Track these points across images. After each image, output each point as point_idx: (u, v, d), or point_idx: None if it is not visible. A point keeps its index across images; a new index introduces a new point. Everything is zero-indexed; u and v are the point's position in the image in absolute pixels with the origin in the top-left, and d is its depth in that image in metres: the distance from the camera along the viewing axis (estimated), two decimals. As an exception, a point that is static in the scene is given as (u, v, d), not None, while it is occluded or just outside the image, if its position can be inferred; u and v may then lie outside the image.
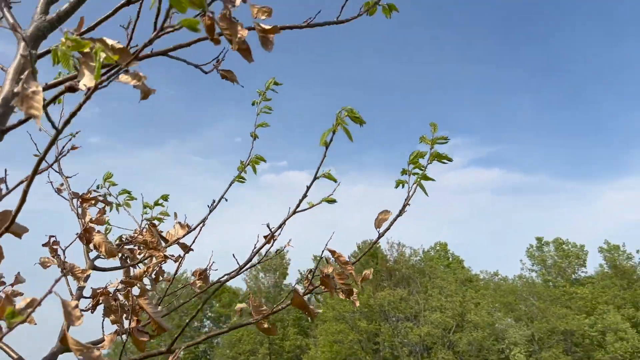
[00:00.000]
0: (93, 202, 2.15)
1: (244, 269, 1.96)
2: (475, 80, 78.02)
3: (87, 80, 0.97)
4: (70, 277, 1.93)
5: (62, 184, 2.32)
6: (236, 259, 1.91)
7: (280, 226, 1.85)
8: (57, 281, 0.96)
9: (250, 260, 1.98)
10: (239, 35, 1.11)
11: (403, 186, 2.16)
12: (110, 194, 2.81)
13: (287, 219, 1.84)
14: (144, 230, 2.51)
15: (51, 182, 2.26)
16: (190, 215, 2.46)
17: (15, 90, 0.89)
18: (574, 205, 70.62)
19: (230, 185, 2.50)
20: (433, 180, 2.00)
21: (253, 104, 2.57)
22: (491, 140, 75.12)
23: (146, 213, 2.82)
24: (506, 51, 78.66)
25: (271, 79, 2.52)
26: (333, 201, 1.82)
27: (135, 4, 1.30)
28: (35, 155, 2.23)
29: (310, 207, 1.81)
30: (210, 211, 2.37)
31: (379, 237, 1.98)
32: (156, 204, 2.87)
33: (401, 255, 42.60)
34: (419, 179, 1.99)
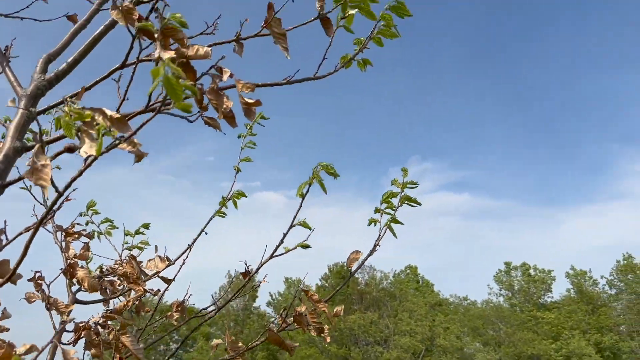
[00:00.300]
0: (76, 236, 2.22)
1: (221, 308, 2.06)
2: (446, 107, 79.73)
3: (87, 148, 1.07)
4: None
5: (45, 218, 2.39)
6: (213, 298, 2.00)
7: (257, 269, 1.96)
8: (57, 333, 1.06)
9: (229, 301, 2.08)
10: (224, 106, 1.24)
11: (375, 224, 2.30)
12: (92, 222, 2.87)
13: (264, 263, 1.95)
14: (125, 261, 2.58)
15: (36, 214, 2.33)
16: (163, 237, 2.55)
17: (27, 164, 0.99)
18: (541, 231, 72.26)
19: (210, 219, 2.60)
20: (402, 224, 2.14)
21: (239, 137, 2.67)
22: (461, 165, 76.59)
23: (127, 243, 2.89)
24: (477, 79, 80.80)
25: (259, 113, 2.59)
26: (307, 246, 1.94)
27: (129, 67, 1.42)
28: (23, 188, 2.29)
29: (286, 252, 1.92)
30: (190, 247, 2.46)
31: (351, 275, 2.10)
32: (137, 232, 2.95)
33: (372, 278, 42.75)
34: (389, 222, 2.13)
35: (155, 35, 1.13)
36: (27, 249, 1.08)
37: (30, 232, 1.07)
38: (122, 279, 2.44)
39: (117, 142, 1.07)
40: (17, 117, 1.33)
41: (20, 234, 1.55)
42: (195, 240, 2.51)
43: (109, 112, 1.13)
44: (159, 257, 2.43)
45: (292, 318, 1.85)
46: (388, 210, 2.29)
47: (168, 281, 2.38)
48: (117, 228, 2.93)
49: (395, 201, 2.30)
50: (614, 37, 75.95)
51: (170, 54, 1.10)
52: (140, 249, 2.95)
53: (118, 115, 1.13)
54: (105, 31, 1.51)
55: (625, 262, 40.87)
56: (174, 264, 2.39)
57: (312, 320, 1.81)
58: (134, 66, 1.36)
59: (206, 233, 2.60)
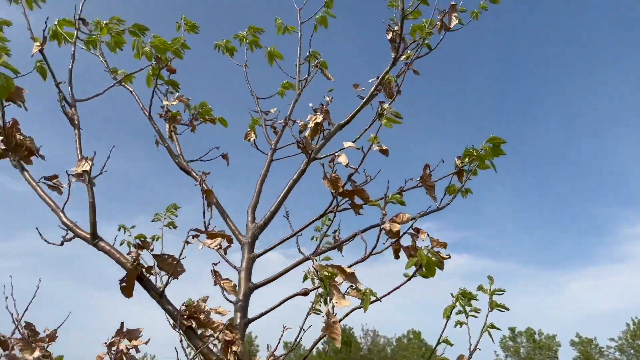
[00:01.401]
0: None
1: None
2: (445, 165, 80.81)
3: (336, 299, 1.44)
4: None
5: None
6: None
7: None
8: None
9: None
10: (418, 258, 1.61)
11: (461, 326, 2.63)
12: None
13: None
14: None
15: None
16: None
17: (322, 321, 1.35)
18: (544, 294, 71.61)
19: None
20: (499, 329, 2.47)
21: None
22: (460, 226, 76.76)
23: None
24: (478, 141, 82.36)
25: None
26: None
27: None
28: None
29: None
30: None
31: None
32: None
33: (374, 344, 41.96)
34: (487, 328, 2.46)
35: (383, 212, 1.52)
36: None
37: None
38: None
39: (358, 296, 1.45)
40: (245, 262, 1.71)
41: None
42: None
43: (346, 270, 1.51)
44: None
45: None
46: (473, 314, 2.62)
47: None
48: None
49: (476, 304, 2.62)
50: (615, 101, 78.48)
51: (397, 227, 1.50)
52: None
53: (351, 272, 1.52)
54: (293, 184, 1.91)
55: (636, 327, 40.31)
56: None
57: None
58: (333, 215, 1.75)
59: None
